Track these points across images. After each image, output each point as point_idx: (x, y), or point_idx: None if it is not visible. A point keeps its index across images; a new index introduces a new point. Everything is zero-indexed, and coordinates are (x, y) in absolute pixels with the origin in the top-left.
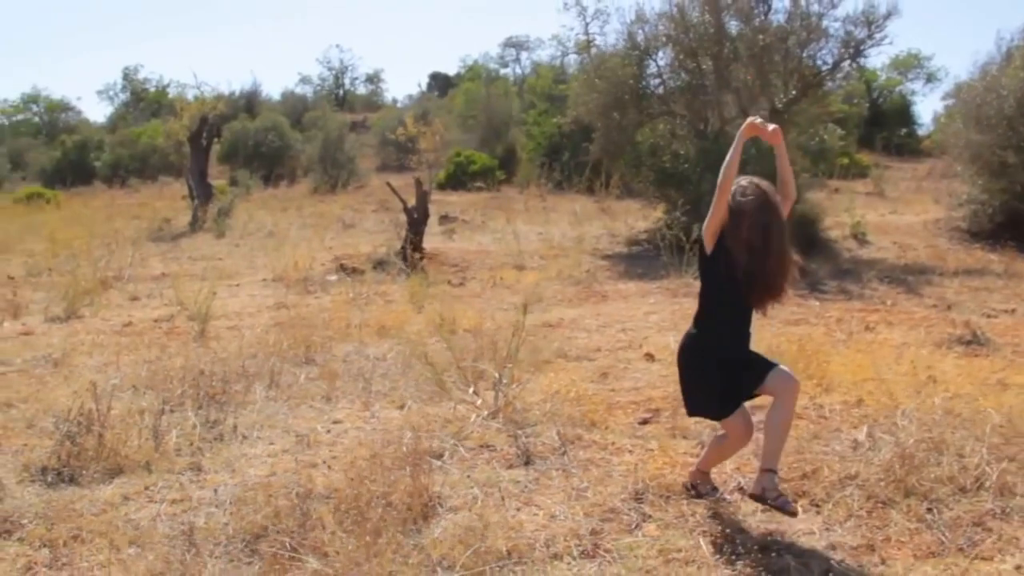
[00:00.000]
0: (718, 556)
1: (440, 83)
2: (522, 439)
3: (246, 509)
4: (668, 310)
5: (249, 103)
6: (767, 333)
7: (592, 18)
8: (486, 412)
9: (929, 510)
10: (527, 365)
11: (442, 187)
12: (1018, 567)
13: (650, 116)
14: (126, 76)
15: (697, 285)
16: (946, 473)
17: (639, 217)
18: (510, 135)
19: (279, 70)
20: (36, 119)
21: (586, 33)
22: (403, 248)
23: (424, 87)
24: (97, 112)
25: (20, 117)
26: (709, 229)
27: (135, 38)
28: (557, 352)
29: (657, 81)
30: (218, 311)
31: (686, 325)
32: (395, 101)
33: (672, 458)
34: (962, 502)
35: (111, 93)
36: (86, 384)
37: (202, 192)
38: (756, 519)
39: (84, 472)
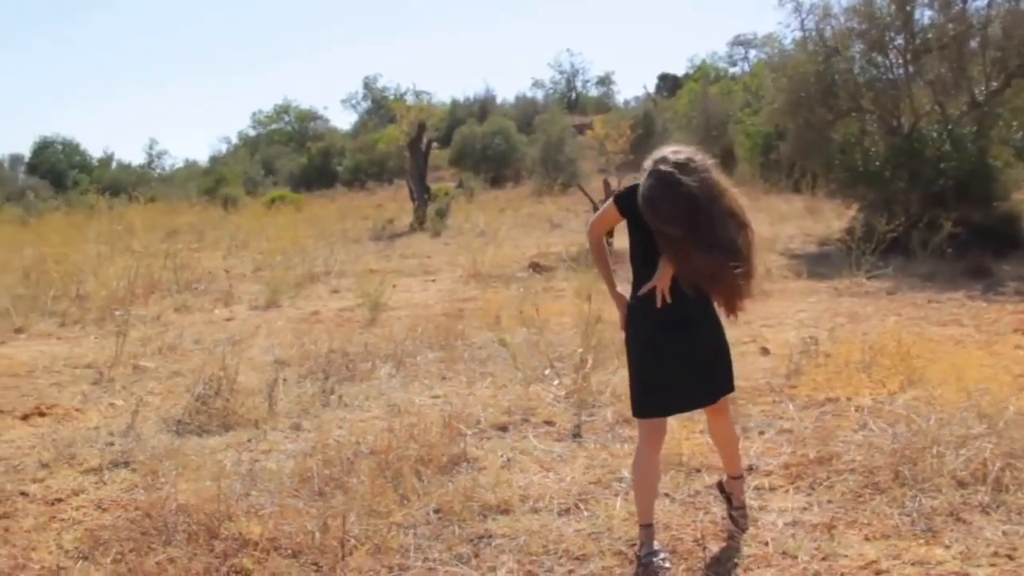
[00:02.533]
0: (679, 521)
1: (668, 84)
2: (581, 418)
3: (310, 459)
4: (822, 308)
5: (483, 108)
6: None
7: (808, 14)
8: (563, 393)
9: (914, 498)
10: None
11: None
12: (962, 553)
13: (839, 114)
14: (366, 85)
15: (868, 284)
16: (948, 467)
17: (837, 216)
18: (728, 135)
19: (513, 75)
20: (288, 128)
21: (802, 29)
22: None
23: (652, 88)
24: (343, 120)
25: (274, 126)
26: None
27: (376, 49)
28: None
29: (845, 78)
30: (401, 302)
31: (830, 322)
32: (627, 103)
33: (706, 442)
34: (952, 494)
35: (353, 102)
36: (244, 360)
37: (422, 194)
38: (748, 497)
39: (207, 426)
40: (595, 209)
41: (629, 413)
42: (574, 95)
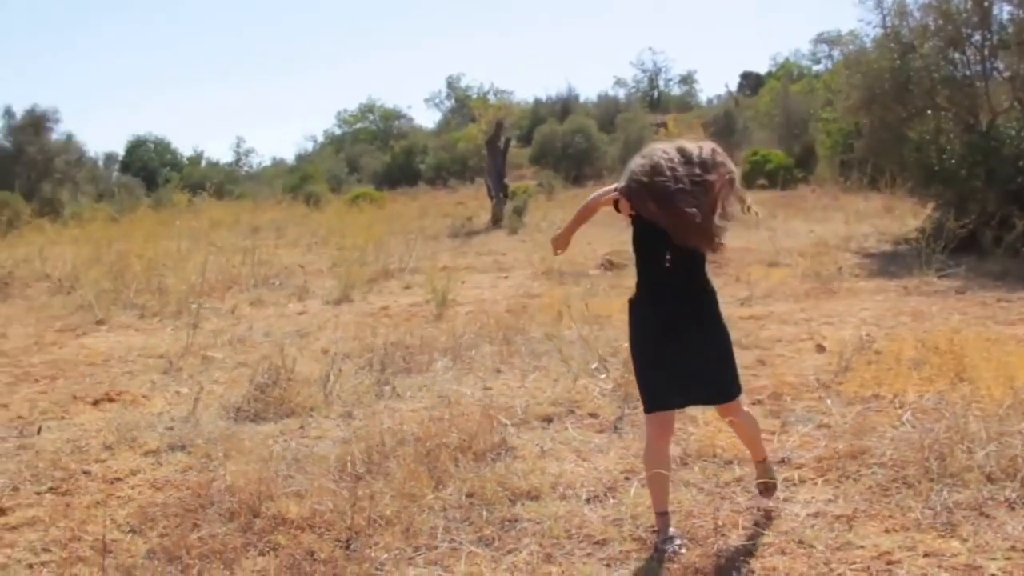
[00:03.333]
0: (702, 510)
1: (751, 82)
2: (624, 411)
3: (354, 445)
4: (887, 307)
5: (564, 106)
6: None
7: (889, 10)
8: (609, 387)
9: (940, 492)
10: None
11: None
12: (979, 546)
13: (915, 111)
14: (449, 84)
15: (937, 283)
16: (978, 462)
17: (913, 215)
18: (809, 133)
19: (595, 74)
20: (372, 127)
21: (884, 26)
22: None
23: (734, 87)
24: (427, 119)
25: (359, 125)
26: None
27: (459, 48)
28: (734, 341)
29: (921, 75)
30: (469, 298)
31: (893, 321)
32: (709, 102)
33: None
34: (979, 489)
35: (436, 101)
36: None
37: (499, 192)
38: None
39: (263, 413)
40: None
41: None
42: (656, 94)
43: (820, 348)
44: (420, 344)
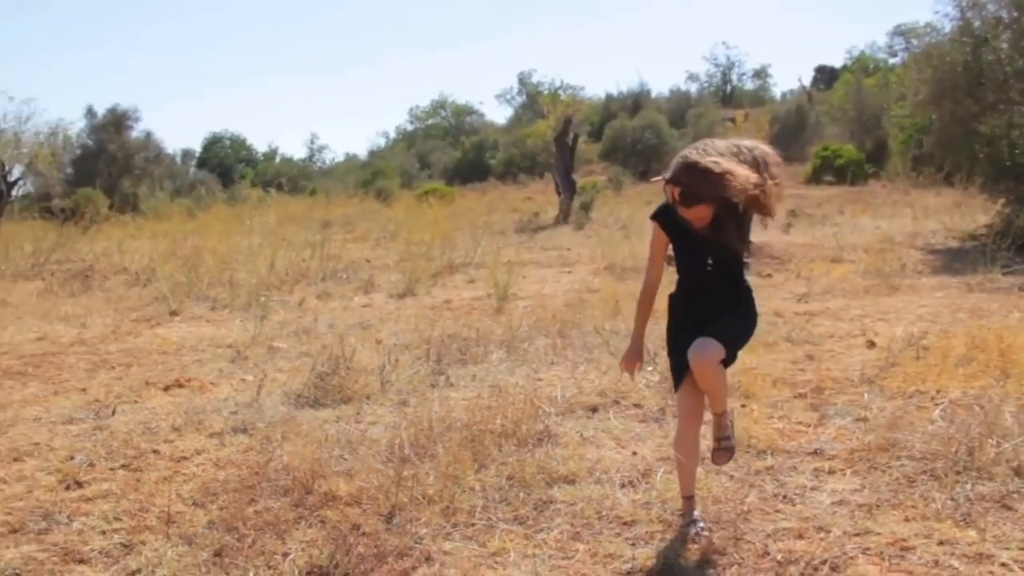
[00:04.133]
0: (730, 496)
1: (825, 76)
2: (668, 401)
3: (404, 431)
4: (946, 304)
5: (636, 102)
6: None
7: (964, 2)
8: (656, 379)
9: (965, 485)
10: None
11: (808, 181)
12: (994, 537)
13: (986, 106)
14: (521, 80)
15: (1001, 280)
16: (1006, 456)
17: (984, 211)
18: (882, 127)
19: (668, 68)
20: (444, 122)
21: (962, 18)
22: None
23: (807, 81)
24: (498, 114)
25: (431, 121)
26: None
27: (531, 43)
28: (784, 336)
29: (994, 68)
30: (531, 292)
31: (951, 317)
32: (784, 96)
33: (782, 427)
34: (1005, 483)
35: (508, 96)
36: (367, 343)
37: (567, 188)
38: (805, 478)
39: (322, 400)
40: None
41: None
42: (729, 88)
43: (870, 344)
44: (477, 336)
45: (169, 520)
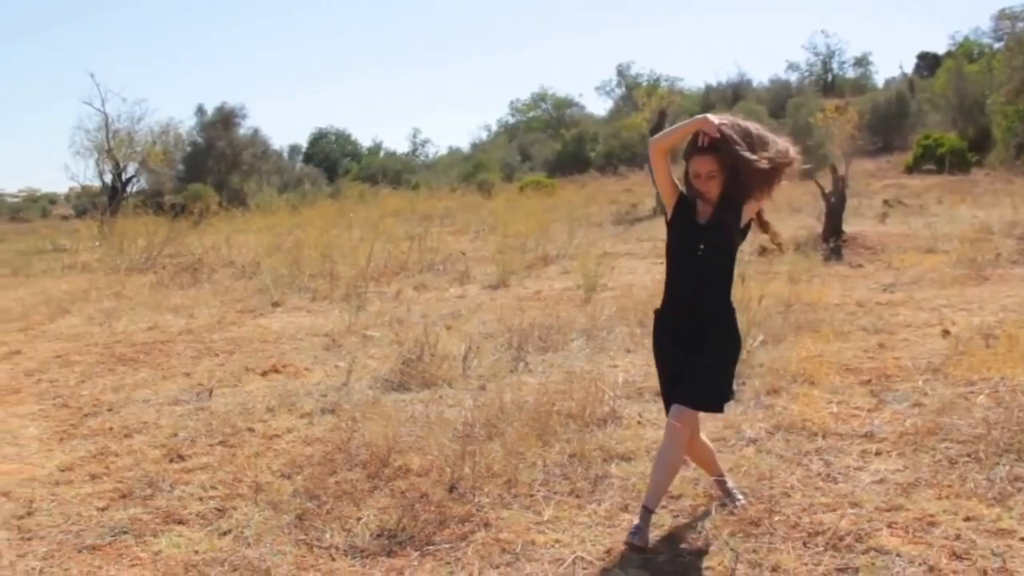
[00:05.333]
0: (779, 474)
1: (928, 63)
2: (733, 387)
3: (481, 411)
4: None
5: (735, 92)
6: None
7: None
8: None
9: (1004, 467)
10: (815, 332)
11: (909, 170)
12: (1021, 514)
13: None
14: (620, 72)
15: None
16: None
17: None
18: (985, 115)
19: (767, 58)
20: (544, 115)
21: None
22: (823, 231)
23: (909, 68)
24: (599, 106)
25: (532, 114)
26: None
27: (630, 35)
28: (861, 325)
29: None
30: (620, 283)
31: None
32: (887, 84)
33: (838, 412)
34: None
35: (607, 89)
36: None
37: None
38: (851, 459)
39: (407, 384)
40: (823, 194)
41: (777, 384)
42: (830, 77)
43: (945, 333)
44: (559, 325)
45: (258, 489)
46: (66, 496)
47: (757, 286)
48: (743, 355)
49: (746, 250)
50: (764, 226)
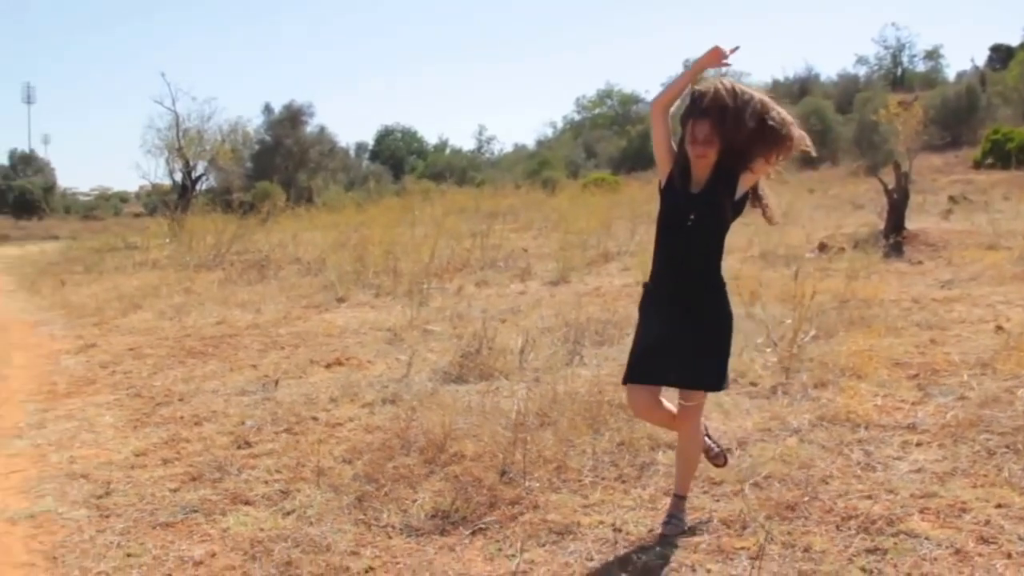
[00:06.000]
0: (818, 464)
1: (1001, 55)
2: (782, 381)
3: (533, 401)
4: None
5: (802, 87)
6: None
7: None
8: (775, 359)
9: None
10: (867, 327)
11: (977, 165)
12: None
13: None
14: (685, 67)
15: None
16: None
17: None
18: None
19: (836, 52)
20: (610, 112)
21: None
22: (885, 228)
23: (981, 61)
24: None
25: (597, 111)
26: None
27: (695, 31)
28: (915, 321)
29: None
30: None
31: None
32: (959, 77)
33: (882, 404)
34: None
35: None
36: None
37: None
38: (892, 449)
39: (465, 376)
40: (886, 190)
41: (825, 377)
42: (900, 71)
43: (999, 329)
44: (616, 320)
45: (320, 473)
46: (140, 478)
47: (812, 282)
48: (794, 349)
49: (806, 247)
50: (757, 200)
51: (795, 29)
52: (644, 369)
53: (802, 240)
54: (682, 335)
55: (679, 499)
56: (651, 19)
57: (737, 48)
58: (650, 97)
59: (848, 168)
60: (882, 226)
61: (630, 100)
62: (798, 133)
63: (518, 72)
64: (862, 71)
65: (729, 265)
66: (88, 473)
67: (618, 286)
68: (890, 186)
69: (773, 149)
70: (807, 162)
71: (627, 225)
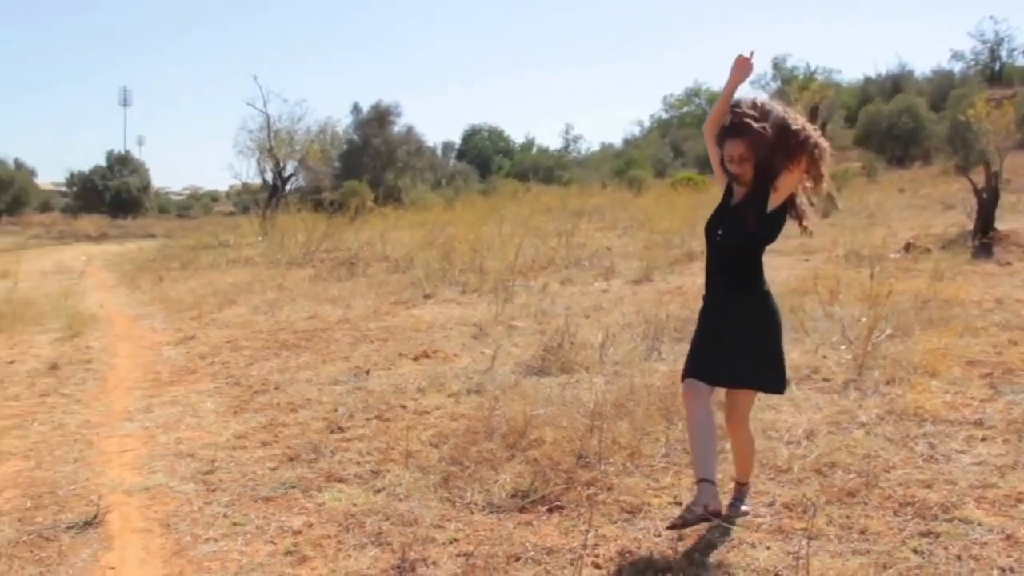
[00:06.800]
0: (881, 455)
1: None
2: (855, 377)
3: (611, 393)
4: None
5: (895, 84)
6: None
7: None
8: (849, 356)
9: None
10: (945, 327)
11: None
12: None
13: None
14: (775, 66)
15: None
16: None
17: None
18: None
19: (930, 47)
20: (698, 110)
21: None
22: (973, 228)
23: None
24: None
25: (685, 110)
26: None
27: (785, 28)
28: (995, 321)
29: None
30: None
31: None
32: None
33: (952, 401)
34: None
35: (763, 83)
36: (595, 322)
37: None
38: (957, 443)
39: (547, 369)
40: (975, 190)
41: (897, 374)
42: (998, 66)
43: None
44: (695, 317)
45: (409, 455)
46: (242, 458)
47: (890, 282)
48: (869, 346)
49: (892, 247)
50: (794, 211)
51: (888, 24)
52: (699, 367)
53: (888, 240)
54: (725, 339)
55: (741, 486)
56: (740, 15)
57: (752, 52)
58: (739, 95)
59: (940, 167)
60: (971, 226)
61: (717, 98)
62: (820, 141)
63: (605, 71)
64: (958, 67)
65: (812, 265)
66: (194, 452)
67: (700, 285)
68: (980, 185)
69: (795, 157)
70: (898, 161)
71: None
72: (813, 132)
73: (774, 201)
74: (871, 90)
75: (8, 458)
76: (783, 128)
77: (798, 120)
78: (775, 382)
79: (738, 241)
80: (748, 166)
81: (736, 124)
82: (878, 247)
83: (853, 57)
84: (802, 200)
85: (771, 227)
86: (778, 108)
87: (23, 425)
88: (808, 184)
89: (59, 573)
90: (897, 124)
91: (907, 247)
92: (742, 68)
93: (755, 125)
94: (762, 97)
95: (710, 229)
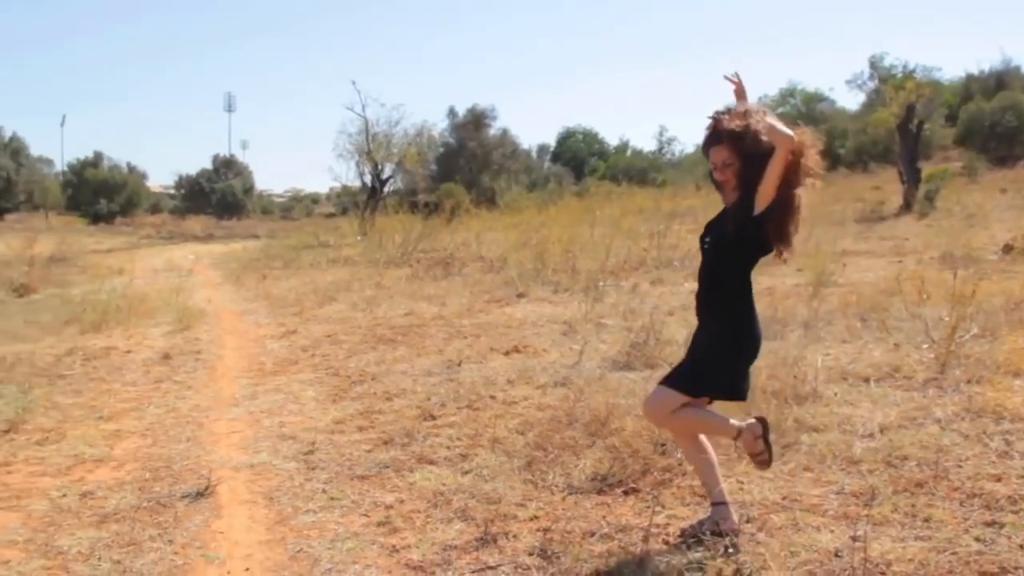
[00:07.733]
0: (953, 450)
1: None
2: (932, 374)
3: None
4: None
5: (999, 80)
6: None
7: None
8: (931, 356)
9: None
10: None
11: None
12: None
13: None
14: (872, 64)
15: None
16: None
17: None
18: None
19: None
20: (793, 110)
21: None
22: None
23: None
24: (850, 100)
25: (780, 110)
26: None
27: (883, 26)
28: None
29: None
30: (852, 279)
31: None
32: None
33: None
34: None
35: (859, 82)
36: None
37: (911, 177)
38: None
39: (633, 365)
40: None
41: (979, 374)
42: None
43: None
44: (781, 317)
45: (496, 441)
46: (340, 441)
47: (974, 283)
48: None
49: (991, 249)
50: (795, 216)
51: (991, 18)
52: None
53: (988, 242)
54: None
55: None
56: (837, 13)
57: (736, 72)
58: (834, 94)
59: None
60: None
61: (813, 99)
62: (787, 130)
63: (699, 72)
64: None
65: (904, 267)
66: (295, 435)
67: (789, 285)
68: None
69: (771, 154)
70: (1000, 160)
71: (804, 226)
72: (776, 122)
73: (760, 204)
74: (973, 87)
75: (128, 436)
76: (747, 123)
77: (763, 115)
78: (673, 376)
79: (722, 248)
80: (731, 172)
81: (717, 131)
82: (976, 248)
83: (955, 55)
84: (800, 200)
85: (755, 233)
86: (759, 110)
87: (140, 408)
88: (806, 182)
89: (175, 535)
90: (1000, 122)
91: (1006, 248)
92: (738, 93)
93: (730, 124)
94: (746, 105)
95: (702, 236)
